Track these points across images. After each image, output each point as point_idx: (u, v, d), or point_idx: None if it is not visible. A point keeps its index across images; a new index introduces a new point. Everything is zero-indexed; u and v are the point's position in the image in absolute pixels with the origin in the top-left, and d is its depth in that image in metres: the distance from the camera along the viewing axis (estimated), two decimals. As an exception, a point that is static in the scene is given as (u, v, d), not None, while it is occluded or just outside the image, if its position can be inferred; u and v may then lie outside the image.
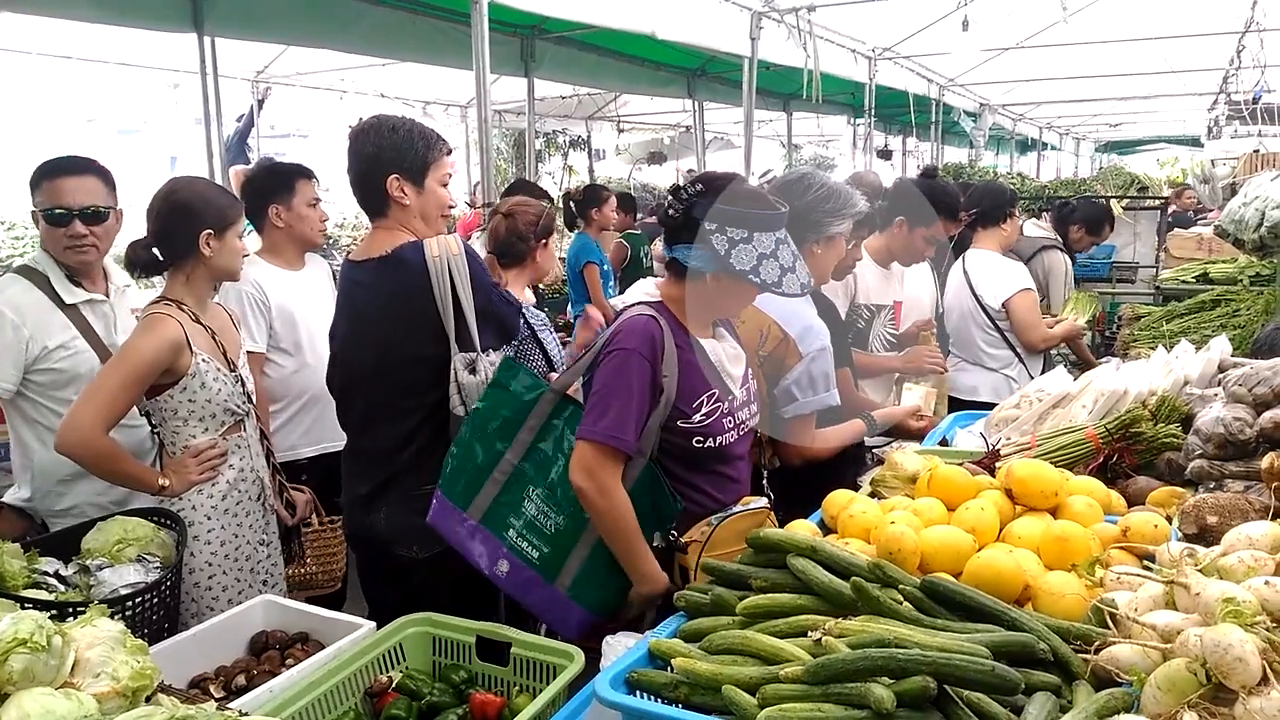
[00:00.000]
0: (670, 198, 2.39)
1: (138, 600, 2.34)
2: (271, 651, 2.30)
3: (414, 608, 2.33)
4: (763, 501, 2.38)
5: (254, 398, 2.96)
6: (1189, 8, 8.58)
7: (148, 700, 1.87)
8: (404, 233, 2.71)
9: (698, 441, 2.35)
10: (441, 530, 2.50)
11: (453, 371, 2.63)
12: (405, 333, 2.65)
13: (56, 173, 2.92)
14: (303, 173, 3.60)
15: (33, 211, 2.97)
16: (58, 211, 2.89)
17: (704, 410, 2.35)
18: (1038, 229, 6.32)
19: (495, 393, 2.52)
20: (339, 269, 2.95)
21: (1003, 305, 4.60)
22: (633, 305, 2.42)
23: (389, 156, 2.68)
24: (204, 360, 2.74)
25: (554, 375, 2.93)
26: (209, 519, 2.79)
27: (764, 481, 2.62)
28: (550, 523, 2.41)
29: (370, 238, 2.79)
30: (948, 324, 4.60)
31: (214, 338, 2.80)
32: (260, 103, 9.46)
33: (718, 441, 2.37)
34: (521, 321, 3.17)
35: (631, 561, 2.31)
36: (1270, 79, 8.78)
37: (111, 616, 2.12)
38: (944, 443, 3.19)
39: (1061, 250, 5.81)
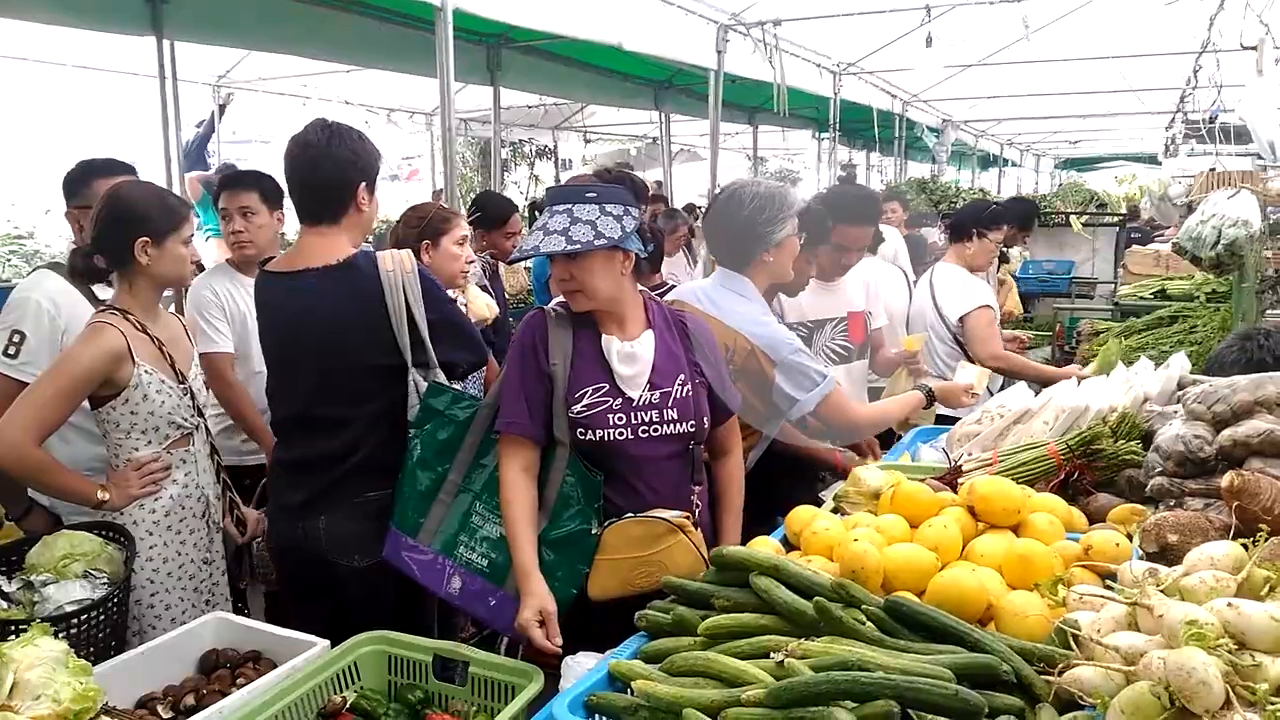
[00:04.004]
0: (537, 212, 2.49)
1: (83, 618, 2.28)
2: (222, 670, 2.24)
3: (349, 621, 2.29)
4: (668, 514, 2.35)
5: (204, 411, 2.89)
6: (1148, 28, 8.71)
7: (90, 723, 1.82)
8: (345, 243, 2.69)
9: (581, 432, 2.39)
10: (396, 563, 2.54)
11: (411, 383, 2.61)
12: (354, 342, 2.62)
13: (95, 174, 3.04)
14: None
15: (67, 211, 3.12)
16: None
17: (586, 401, 2.39)
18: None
19: (429, 417, 2.57)
20: (256, 280, 2.89)
21: (960, 320, 4.64)
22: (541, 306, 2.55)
23: (364, 164, 2.70)
24: (147, 371, 2.67)
25: None
26: (150, 534, 2.72)
27: (693, 497, 2.55)
28: (496, 530, 2.44)
29: (304, 246, 2.71)
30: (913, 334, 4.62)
31: (161, 348, 2.73)
32: (222, 108, 9.33)
33: (599, 436, 2.39)
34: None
35: (510, 545, 2.36)
36: (1226, 99, 8.92)
37: (56, 634, 2.07)
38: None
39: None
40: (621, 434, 2.40)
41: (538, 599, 2.26)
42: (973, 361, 4.58)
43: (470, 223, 5.19)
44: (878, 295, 4.26)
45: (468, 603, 2.49)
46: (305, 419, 2.70)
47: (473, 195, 12.11)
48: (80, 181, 3.10)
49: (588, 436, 2.39)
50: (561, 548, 2.37)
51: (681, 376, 2.50)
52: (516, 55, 8.47)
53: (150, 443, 2.73)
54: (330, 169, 2.65)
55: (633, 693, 1.67)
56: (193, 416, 2.81)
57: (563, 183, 2.63)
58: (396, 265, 2.66)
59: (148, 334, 2.71)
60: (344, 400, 2.65)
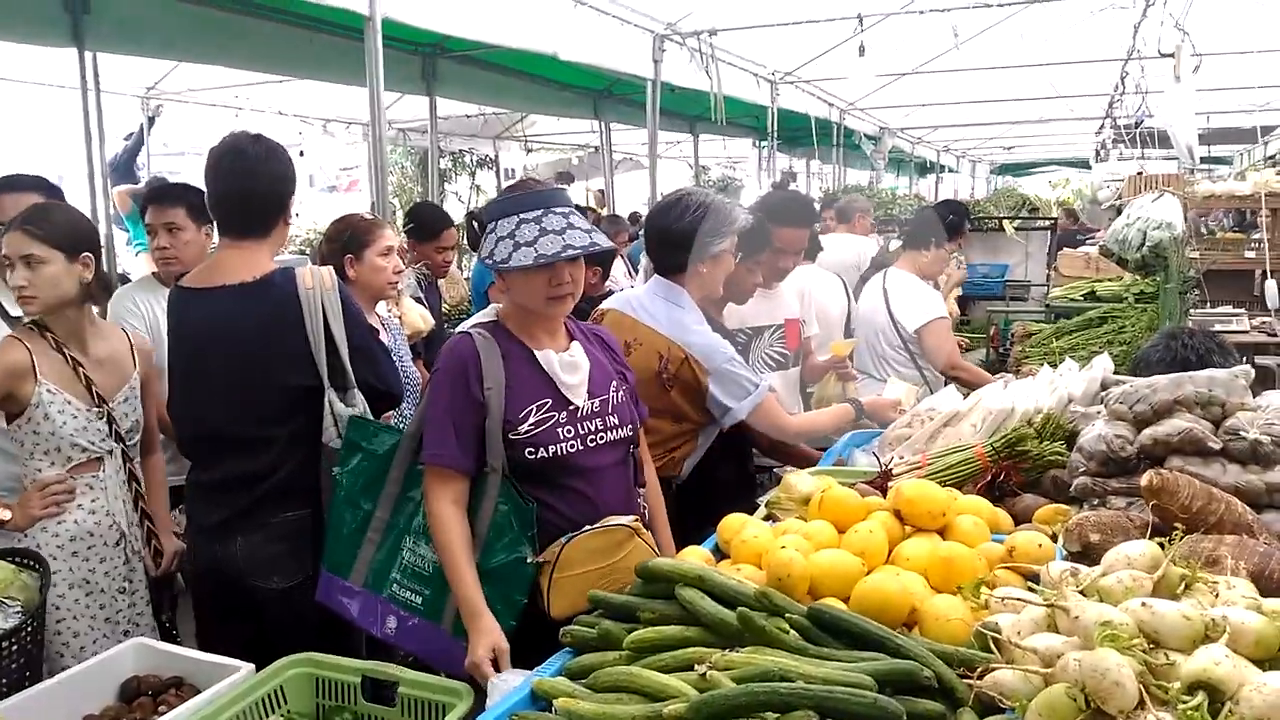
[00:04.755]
0: (475, 224, 2.41)
1: (-4, 647, 2.20)
2: (143, 699, 2.18)
3: (272, 644, 2.23)
4: (624, 519, 2.32)
5: (127, 437, 2.80)
6: (1076, 37, 8.90)
7: (-7, 760, 1.75)
8: (266, 259, 2.64)
9: (529, 452, 2.29)
10: (329, 605, 2.48)
11: (327, 404, 2.56)
12: (269, 362, 2.57)
13: (2, 190, 3.00)
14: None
15: None
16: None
17: (532, 420, 2.30)
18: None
19: (351, 455, 2.51)
20: (169, 296, 2.82)
21: (916, 331, 4.64)
22: (460, 330, 2.43)
23: (292, 179, 2.70)
24: (49, 391, 2.60)
25: None
26: (55, 558, 2.63)
27: (639, 500, 2.55)
28: (427, 564, 2.37)
29: (222, 261, 2.66)
30: (858, 337, 4.63)
31: (77, 369, 2.65)
32: (151, 120, 9.13)
33: (551, 451, 2.31)
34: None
35: (450, 582, 2.26)
36: (1151, 104, 9.15)
37: (-36, 666, 1.99)
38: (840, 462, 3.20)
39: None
40: (572, 446, 2.34)
41: (490, 636, 2.17)
42: (921, 370, 4.63)
43: (405, 233, 5.14)
44: (812, 302, 4.28)
45: (404, 641, 2.42)
46: (218, 439, 2.63)
47: (411, 204, 12.02)
48: None
49: (538, 454, 2.30)
50: (496, 580, 2.27)
51: (614, 382, 2.49)
52: (452, 65, 8.42)
53: (53, 464, 2.66)
54: (266, 182, 2.63)
55: (555, 711, 1.64)
56: (104, 441, 2.73)
57: (510, 187, 2.55)
58: (316, 283, 2.61)
59: (64, 353, 2.63)
60: (259, 421, 2.59)
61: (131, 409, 2.79)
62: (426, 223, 5.10)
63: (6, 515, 2.59)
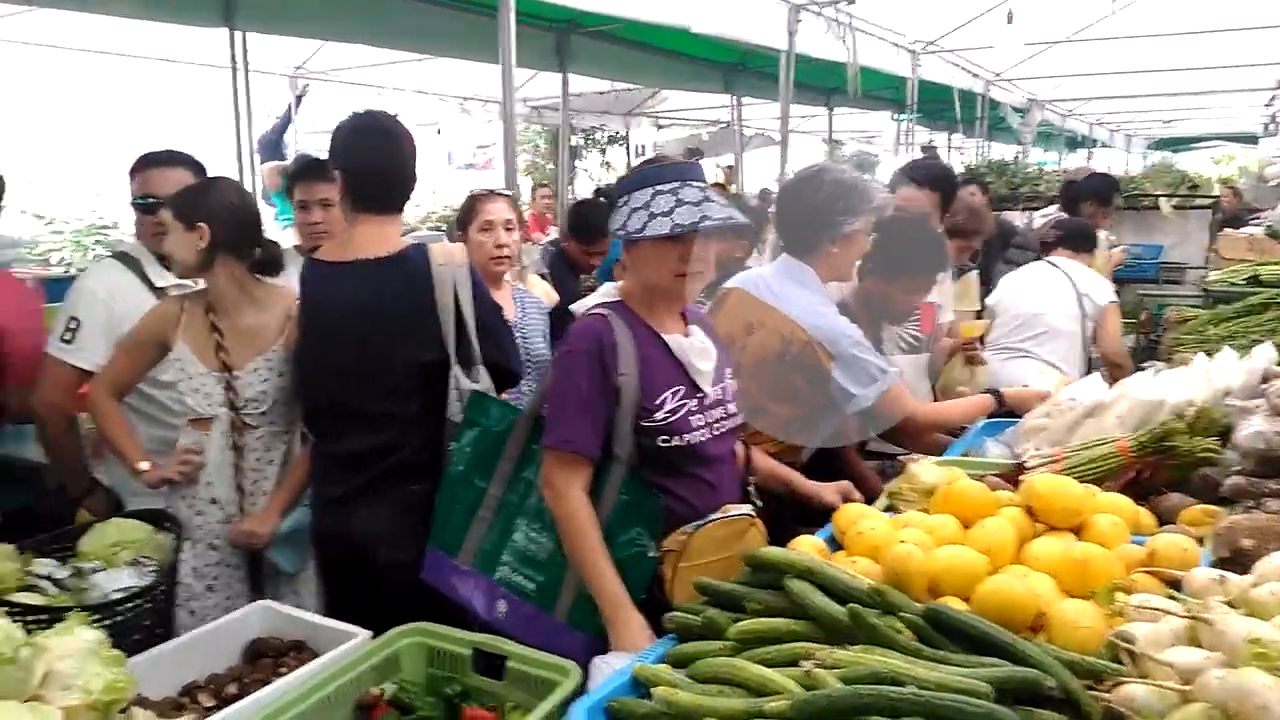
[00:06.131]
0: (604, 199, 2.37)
1: (127, 606, 2.29)
2: (265, 660, 2.24)
3: (388, 615, 2.26)
4: (746, 509, 2.27)
5: (246, 406, 2.88)
6: (1242, 1, 8.31)
7: (121, 713, 1.83)
8: (398, 234, 2.69)
9: (663, 440, 2.24)
10: (436, 583, 2.49)
11: (453, 378, 2.58)
12: (401, 336, 2.60)
13: (149, 164, 3.14)
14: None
15: (133, 201, 3.18)
16: (150, 200, 3.05)
17: (668, 407, 2.24)
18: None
19: (468, 430, 2.50)
20: (301, 269, 2.87)
21: (1102, 309, 4.53)
22: (589, 310, 2.35)
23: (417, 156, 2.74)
24: (182, 349, 2.84)
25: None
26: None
27: (750, 488, 2.49)
28: (541, 550, 2.34)
29: (360, 236, 2.70)
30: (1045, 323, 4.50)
31: (213, 333, 2.84)
32: (299, 99, 9.47)
33: (685, 440, 2.26)
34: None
35: (588, 575, 2.20)
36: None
37: (102, 621, 2.09)
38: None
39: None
40: (703, 435, 2.30)
41: (643, 631, 2.11)
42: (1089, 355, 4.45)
43: (569, 230, 5.18)
44: (948, 286, 4.13)
45: (514, 627, 2.34)
46: (345, 411, 2.68)
47: (545, 184, 12.15)
48: (134, 173, 3.17)
49: (671, 443, 2.25)
50: (619, 573, 2.21)
51: (728, 369, 2.45)
52: (585, 41, 8.44)
53: (176, 421, 2.86)
54: (409, 161, 2.69)
55: (655, 699, 1.61)
56: (214, 406, 2.82)
57: (642, 164, 2.48)
58: (447, 259, 2.64)
59: (208, 318, 2.81)
60: (387, 395, 2.63)
61: (260, 379, 2.85)
62: (586, 225, 5.13)
63: (145, 465, 2.76)
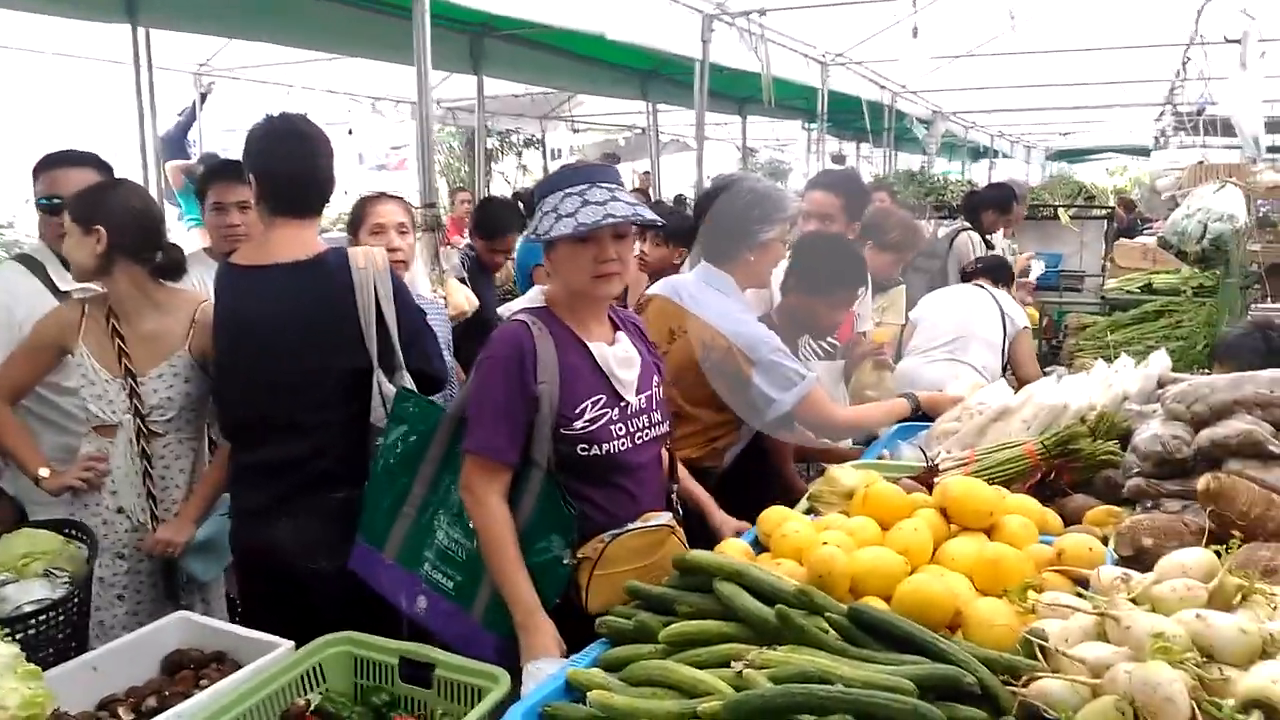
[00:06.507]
0: (521, 203, 2.38)
1: (41, 619, 2.23)
2: (185, 672, 2.19)
3: (313, 624, 2.23)
4: (665, 518, 2.29)
5: (150, 413, 2.82)
6: (1135, 19, 8.66)
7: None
8: (315, 237, 2.64)
9: (583, 449, 2.23)
10: (363, 575, 2.47)
11: (375, 384, 2.55)
12: (319, 344, 2.56)
13: (54, 164, 3.04)
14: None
15: (36, 202, 3.10)
16: (54, 201, 2.97)
17: (588, 416, 2.24)
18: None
19: (395, 426, 2.48)
20: (216, 274, 2.81)
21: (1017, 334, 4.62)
22: (513, 315, 2.35)
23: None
24: (83, 354, 2.77)
25: None
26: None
27: (672, 496, 2.50)
28: (460, 550, 2.34)
29: (277, 239, 2.64)
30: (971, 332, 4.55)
31: (114, 338, 2.77)
32: (203, 96, 9.21)
33: (604, 449, 2.25)
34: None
35: (501, 581, 2.19)
36: (1214, 92, 8.89)
37: (14, 635, 2.03)
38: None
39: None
40: (623, 444, 2.29)
41: (551, 637, 2.11)
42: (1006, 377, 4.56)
43: (473, 228, 5.13)
44: (866, 297, 4.20)
45: (433, 622, 2.37)
46: (265, 421, 2.63)
47: (463, 187, 12.02)
48: (38, 173, 3.08)
49: (591, 452, 2.24)
50: (531, 578, 2.21)
51: (655, 377, 2.45)
52: (500, 44, 8.38)
53: (79, 427, 2.80)
54: (326, 164, 2.65)
55: (589, 703, 1.62)
56: (118, 412, 2.76)
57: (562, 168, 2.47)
58: (369, 263, 2.60)
59: (109, 323, 2.73)
60: (308, 402, 2.59)
61: (165, 385, 2.78)
62: (490, 222, 5.06)
63: (46, 473, 2.69)
